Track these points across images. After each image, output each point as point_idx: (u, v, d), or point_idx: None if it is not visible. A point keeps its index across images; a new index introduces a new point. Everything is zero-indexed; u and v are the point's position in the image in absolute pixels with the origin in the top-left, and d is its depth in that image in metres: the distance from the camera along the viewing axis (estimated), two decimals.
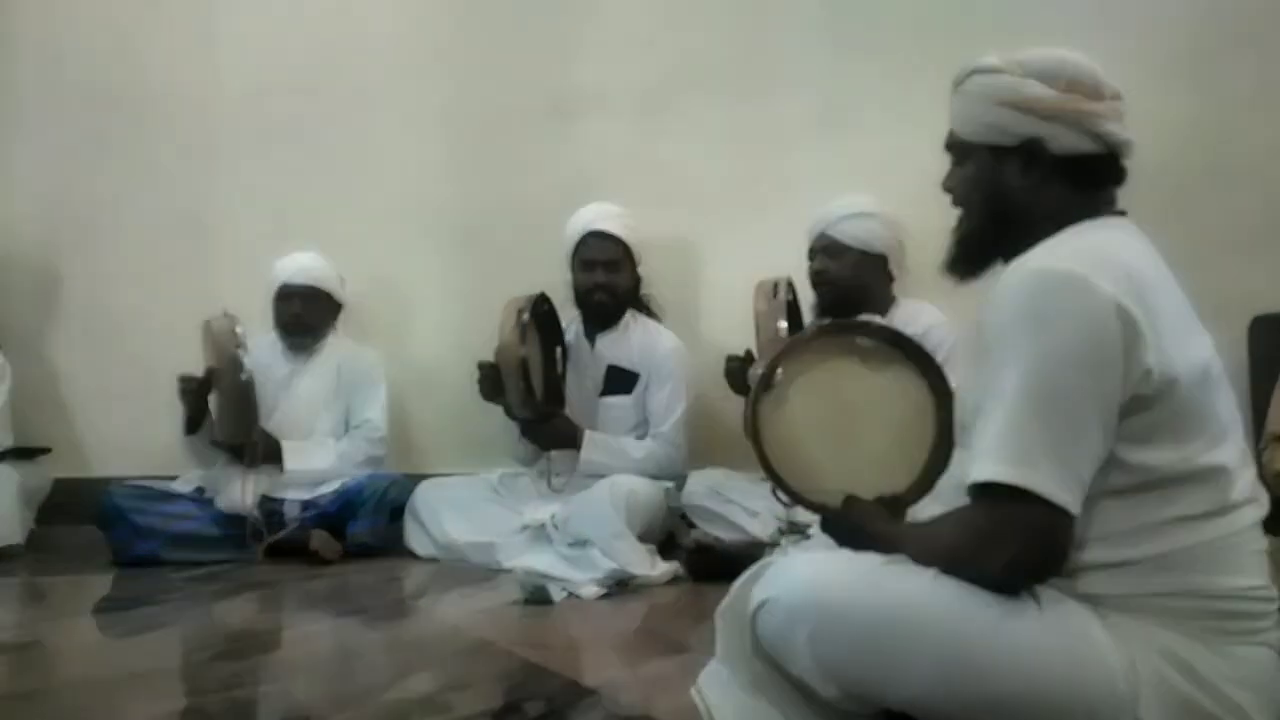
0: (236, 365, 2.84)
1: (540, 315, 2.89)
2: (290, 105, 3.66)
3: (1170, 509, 1.12)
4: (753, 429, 1.62)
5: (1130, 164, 1.28)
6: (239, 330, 2.87)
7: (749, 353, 2.61)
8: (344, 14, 3.67)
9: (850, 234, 2.66)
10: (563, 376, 3.00)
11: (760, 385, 1.64)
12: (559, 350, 2.99)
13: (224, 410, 2.90)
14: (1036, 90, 1.23)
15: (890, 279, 2.72)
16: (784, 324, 2.45)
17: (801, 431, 1.64)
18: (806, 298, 2.75)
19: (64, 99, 3.82)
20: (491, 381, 2.84)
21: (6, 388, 3.42)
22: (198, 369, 2.97)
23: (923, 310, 2.63)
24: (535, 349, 2.88)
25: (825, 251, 2.69)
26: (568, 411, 2.96)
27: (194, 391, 2.94)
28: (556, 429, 2.91)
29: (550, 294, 2.95)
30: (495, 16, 3.54)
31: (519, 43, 3.51)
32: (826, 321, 1.76)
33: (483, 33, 3.55)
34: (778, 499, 1.75)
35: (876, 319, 1.75)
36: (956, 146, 1.34)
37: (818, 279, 2.70)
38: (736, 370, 2.62)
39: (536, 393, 2.79)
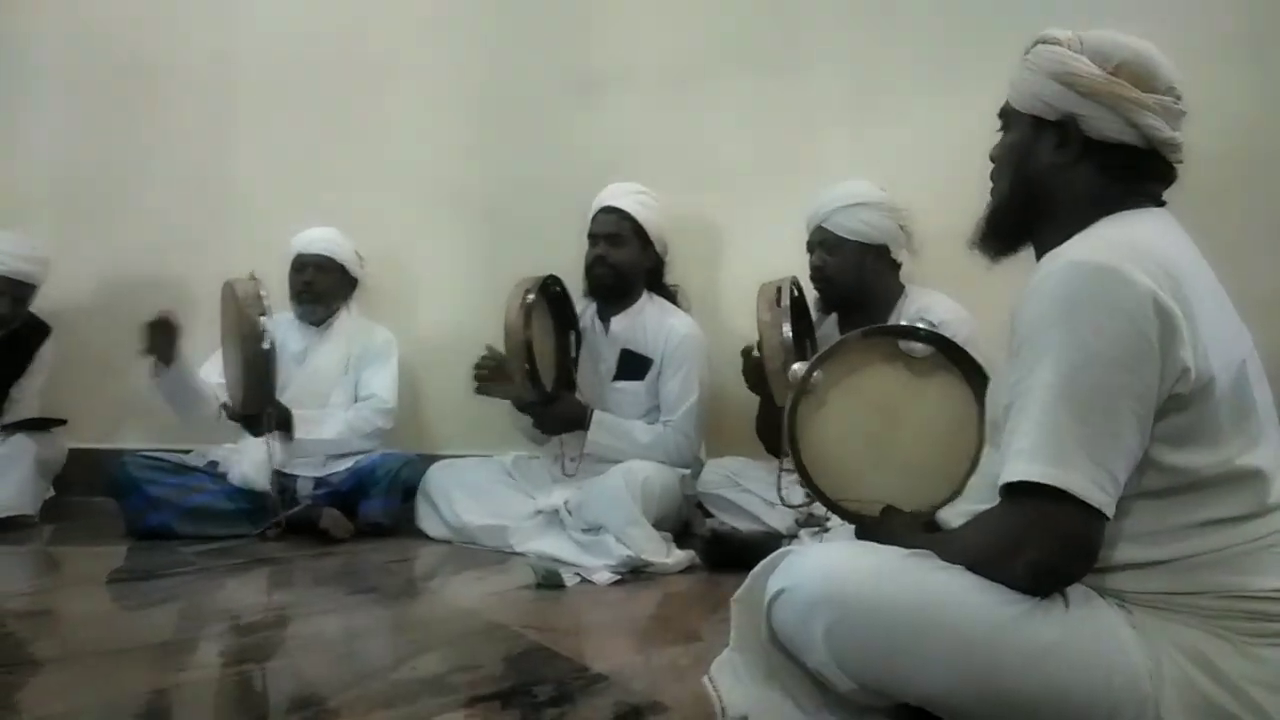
0: (259, 334, 2.79)
1: (550, 296, 2.86)
2: (311, 76, 3.66)
3: (1205, 511, 1.10)
4: (790, 433, 1.59)
5: (1178, 163, 1.25)
6: (264, 295, 2.82)
7: (748, 349, 2.52)
8: None
9: (845, 226, 2.56)
10: (576, 360, 2.97)
11: (799, 388, 1.61)
12: (572, 333, 2.96)
13: (242, 380, 2.85)
14: (1084, 67, 1.22)
15: (896, 267, 2.63)
16: (789, 332, 2.37)
17: (840, 437, 1.61)
18: (812, 293, 2.68)
19: (83, 66, 3.83)
20: (491, 371, 2.81)
21: (44, 376, 3.46)
22: (214, 338, 2.96)
23: (936, 302, 2.52)
24: (544, 331, 2.84)
25: (822, 246, 2.60)
26: (579, 395, 2.94)
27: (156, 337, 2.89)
28: (564, 412, 2.87)
29: (570, 275, 2.93)
30: None
31: (545, 16, 3.48)
32: (871, 326, 1.71)
33: (508, 5, 3.52)
34: (781, 498, 1.72)
35: (922, 323, 1.70)
36: (1006, 114, 1.34)
37: (816, 274, 2.62)
38: (753, 368, 2.53)
39: (541, 375, 2.76)
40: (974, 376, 1.59)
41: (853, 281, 2.58)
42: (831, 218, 2.58)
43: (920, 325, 1.66)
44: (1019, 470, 1.07)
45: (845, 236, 2.57)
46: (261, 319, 2.79)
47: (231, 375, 2.94)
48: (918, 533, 1.33)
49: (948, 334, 2.39)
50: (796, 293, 2.54)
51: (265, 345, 2.80)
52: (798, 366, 1.66)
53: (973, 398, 1.56)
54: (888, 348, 1.64)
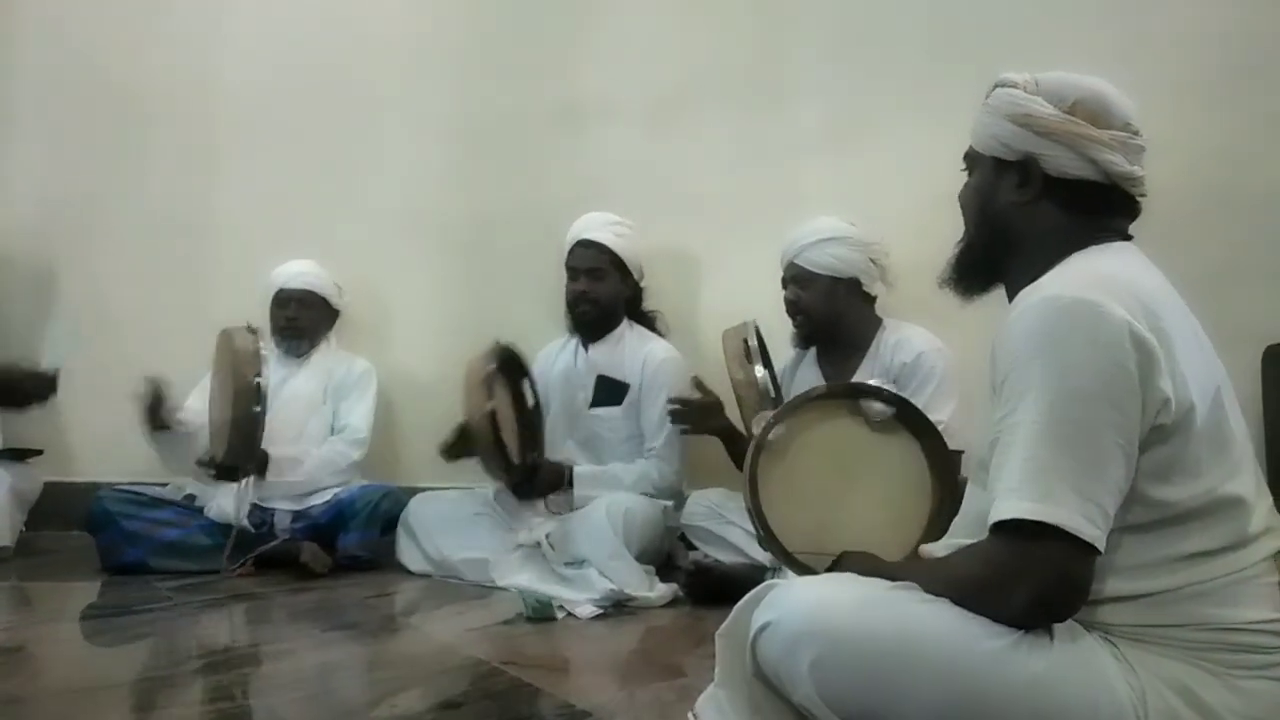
0: (253, 395, 2.75)
1: (504, 367, 2.78)
2: (293, 107, 3.66)
3: (1188, 543, 1.11)
4: (750, 485, 1.61)
5: (1141, 197, 1.27)
6: (262, 352, 2.79)
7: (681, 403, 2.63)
8: (349, 15, 3.67)
9: (817, 261, 2.60)
10: (535, 410, 2.89)
11: (758, 441, 1.63)
12: (526, 383, 2.88)
13: (228, 436, 2.79)
14: (1039, 108, 1.24)
15: (870, 300, 2.67)
16: (766, 383, 2.42)
17: (798, 492, 1.63)
18: (784, 328, 2.71)
19: (65, 96, 3.81)
20: (457, 447, 2.82)
21: None
22: (192, 373, 2.93)
23: (913, 335, 2.57)
24: (506, 408, 2.77)
25: (795, 281, 2.65)
26: (555, 427, 2.92)
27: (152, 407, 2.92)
28: (544, 480, 2.82)
29: (550, 304, 2.90)
30: (505, 21, 3.54)
31: (528, 48, 3.51)
32: (836, 385, 1.75)
33: (491, 37, 3.55)
34: (762, 545, 1.74)
35: (885, 386, 1.74)
36: (970, 157, 1.36)
37: (791, 308, 2.67)
38: (683, 412, 2.65)
39: (513, 457, 2.69)
40: (930, 441, 1.61)
41: (826, 314, 2.63)
42: (802, 254, 2.62)
43: (883, 387, 1.69)
44: (1008, 509, 1.06)
45: (817, 271, 2.61)
46: (257, 380, 2.75)
47: (216, 422, 2.89)
48: (882, 564, 1.33)
49: (925, 365, 2.47)
50: (758, 337, 2.56)
51: (257, 408, 2.76)
52: (762, 417, 1.69)
53: (925, 463, 1.58)
54: (849, 406, 1.66)
